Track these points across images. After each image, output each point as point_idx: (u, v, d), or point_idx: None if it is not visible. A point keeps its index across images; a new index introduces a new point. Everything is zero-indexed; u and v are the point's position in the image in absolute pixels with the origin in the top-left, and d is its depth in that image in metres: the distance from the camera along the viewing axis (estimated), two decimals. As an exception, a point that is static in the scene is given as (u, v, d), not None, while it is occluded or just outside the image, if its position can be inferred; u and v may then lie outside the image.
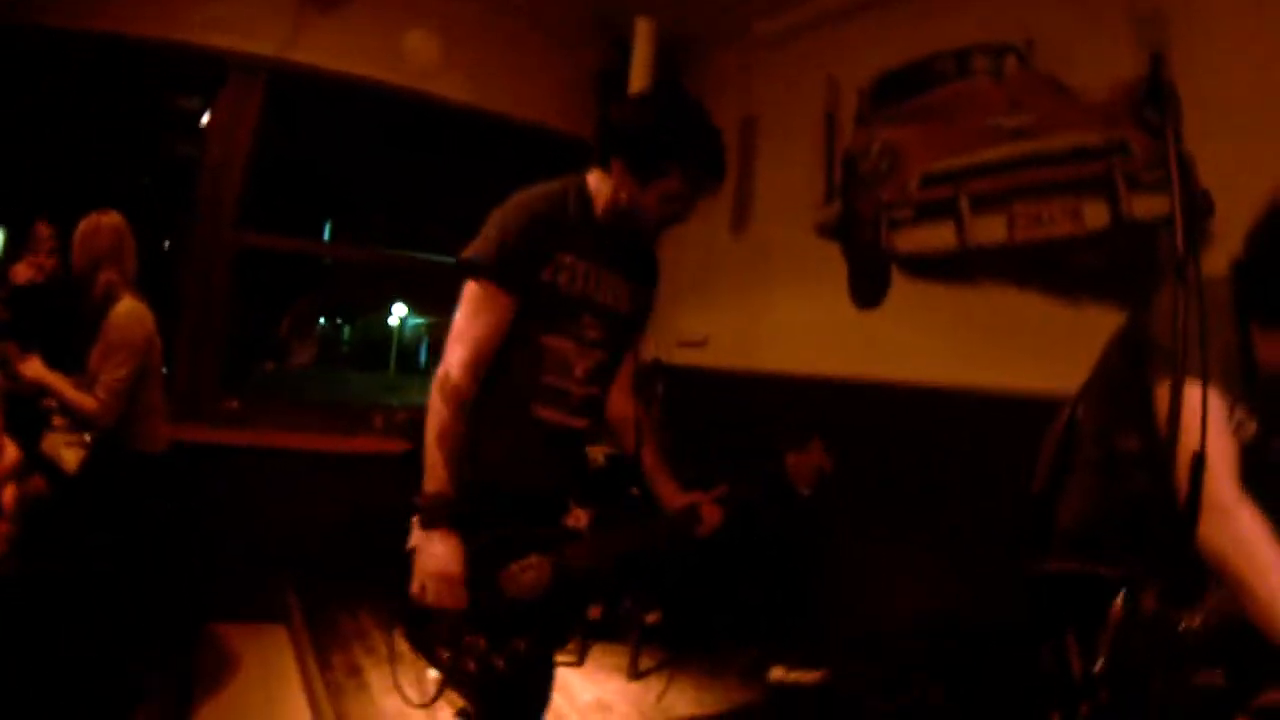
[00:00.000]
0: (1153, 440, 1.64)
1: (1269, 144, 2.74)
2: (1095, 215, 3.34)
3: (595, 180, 2.10)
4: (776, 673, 3.75)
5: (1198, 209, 2.93)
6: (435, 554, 1.85)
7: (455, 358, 1.92)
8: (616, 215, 2.07)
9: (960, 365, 3.77)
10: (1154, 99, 3.10)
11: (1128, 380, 1.77)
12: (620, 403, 2.30)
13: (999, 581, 2.20)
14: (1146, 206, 3.17)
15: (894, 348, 4.10)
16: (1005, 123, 3.66)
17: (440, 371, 1.93)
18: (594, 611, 3.78)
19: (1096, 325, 3.11)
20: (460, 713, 2.30)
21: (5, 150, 4.95)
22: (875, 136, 4.30)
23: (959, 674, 3.23)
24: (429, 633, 1.95)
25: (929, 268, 4.00)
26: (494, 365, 1.98)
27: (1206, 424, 1.30)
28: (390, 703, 3.25)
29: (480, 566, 1.89)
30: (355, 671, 3.48)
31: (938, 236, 3.92)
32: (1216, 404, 1.49)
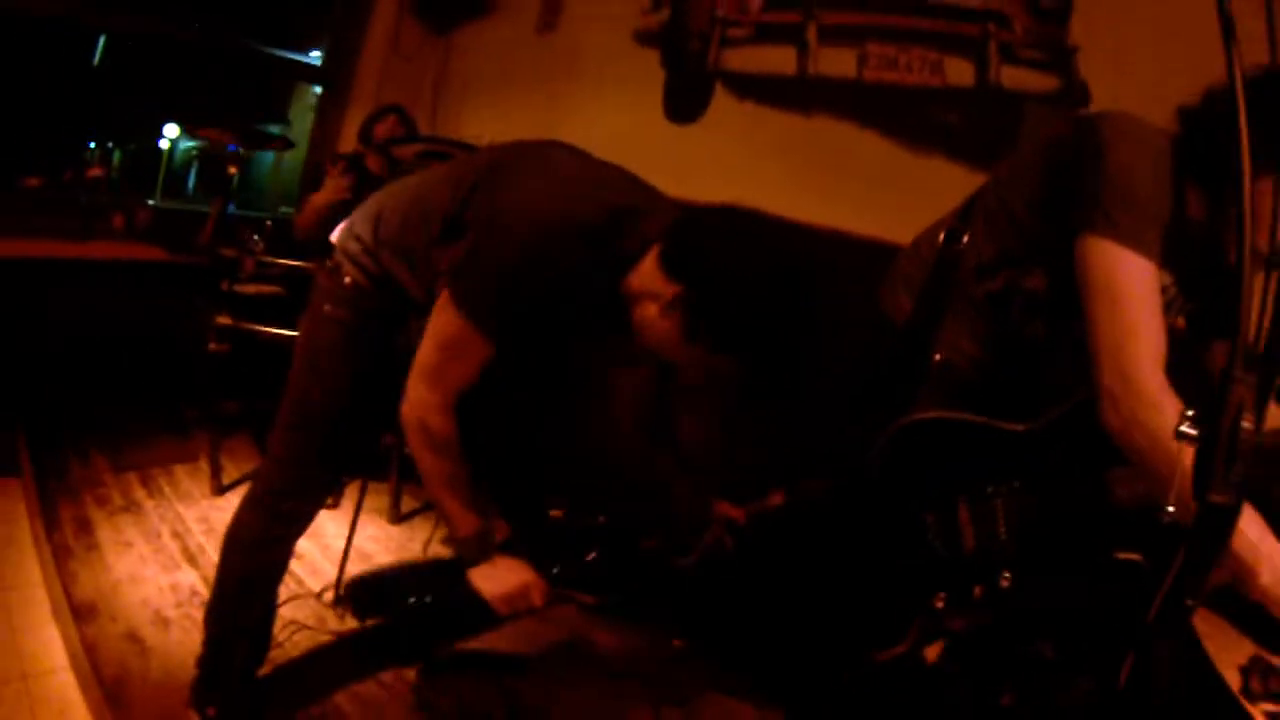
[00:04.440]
0: (1062, 287, 1.52)
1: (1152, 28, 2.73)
2: (958, 73, 3.26)
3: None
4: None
5: (1072, 95, 2.96)
6: (504, 573, 1.79)
7: (433, 402, 1.70)
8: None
9: (782, 194, 3.61)
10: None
11: (1038, 216, 1.61)
12: None
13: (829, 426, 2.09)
14: (1017, 79, 3.13)
15: (711, 166, 3.96)
16: None
17: (413, 418, 1.71)
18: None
19: (940, 178, 3.17)
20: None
21: None
22: None
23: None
24: None
25: (760, 89, 3.92)
26: None
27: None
28: (122, 564, 2.83)
29: None
30: (85, 528, 3.00)
31: (776, 60, 3.78)
32: (1153, 278, 1.43)
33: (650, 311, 1.64)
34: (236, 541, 2.07)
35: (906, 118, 3.37)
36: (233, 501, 3.27)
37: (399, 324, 1.90)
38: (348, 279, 1.87)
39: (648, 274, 1.63)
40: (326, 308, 1.90)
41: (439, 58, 5.27)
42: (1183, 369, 1.50)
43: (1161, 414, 1.31)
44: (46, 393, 3.77)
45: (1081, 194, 1.47)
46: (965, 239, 1.74)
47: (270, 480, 2.05)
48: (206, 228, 3.88)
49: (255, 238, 3.44)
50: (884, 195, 3.31)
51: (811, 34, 3.64)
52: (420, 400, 1.68)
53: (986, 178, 1.80)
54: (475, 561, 1.76)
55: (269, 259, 3.47)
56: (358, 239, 1.87)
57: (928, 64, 3.32)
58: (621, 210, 1.66)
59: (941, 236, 1.77)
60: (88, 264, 3.99)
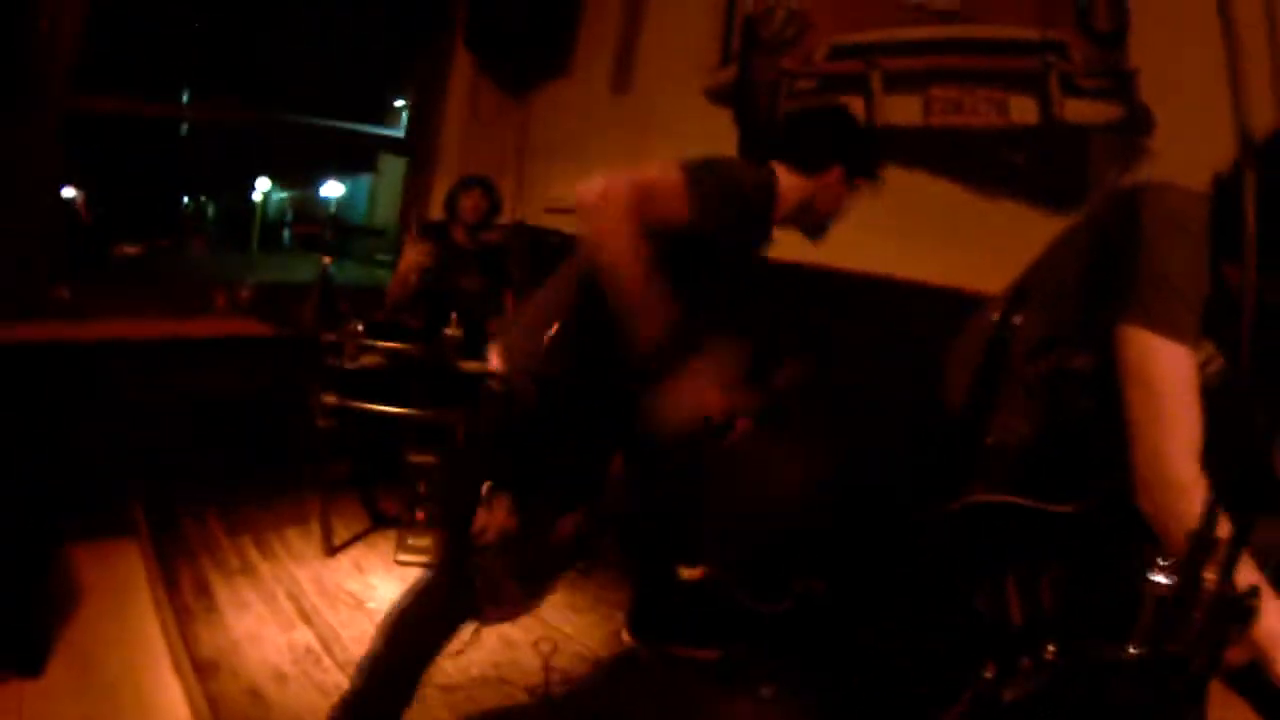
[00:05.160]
0: (1109, 366, 1.51)
1: (1209, 50, 2.59)
2: (1022, 111, 3.23)
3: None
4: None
5: (1136, 122, 2.92)
6: (689, 386, 1.94)
7: (623, 185, 1.81)
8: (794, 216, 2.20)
9: (859, 249, 3.48)
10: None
11: (1089, 293, 1.59)
12: None
13: (900, 482, 2.13)
14: (1080, 111, 3.08)
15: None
16: (930, 4, 3.51)
17: (593, 193, 1.81)
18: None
19: (1011, 220, 3.15)
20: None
21: None
22: (782, 1, 4.09)
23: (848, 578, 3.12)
24: None
25: None
26: None
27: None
28: (240, 624, 2.98)
29: None
30: (204, 590, 3.17)
31: None
32: (1188, 365, 1.43)
33: (823, 192, 2.16)
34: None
35: (975, 161, 3.34)
36: (344, 562, 3.50)
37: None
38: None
39: (792, 189, 2.14)
40: None
41: (519, 122, 5.34)
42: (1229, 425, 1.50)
43: (1191, 502, 1.30)
44: (162, 461, 3.94)
45: (1118, 280, 1.48)
46: (1018, 320, 1.74)
47: None
48: (307, 311, 4.09)
49: (356, 323, 3.58)
50: (956, 243, 3.28)
51: (876, 82, 3.63)
52: (616, 182, 1.80)
53: (1054, 218, 1.81)
54: (659, 379, 1.89)
55: (370, 341, 3.61)
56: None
57: (992, 104, 3.30)
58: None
59: (995, 317, 1.78)
60: (198, 341, 4.20)
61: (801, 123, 2.29)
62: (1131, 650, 1.40)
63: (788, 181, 2.13)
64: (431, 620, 2.16)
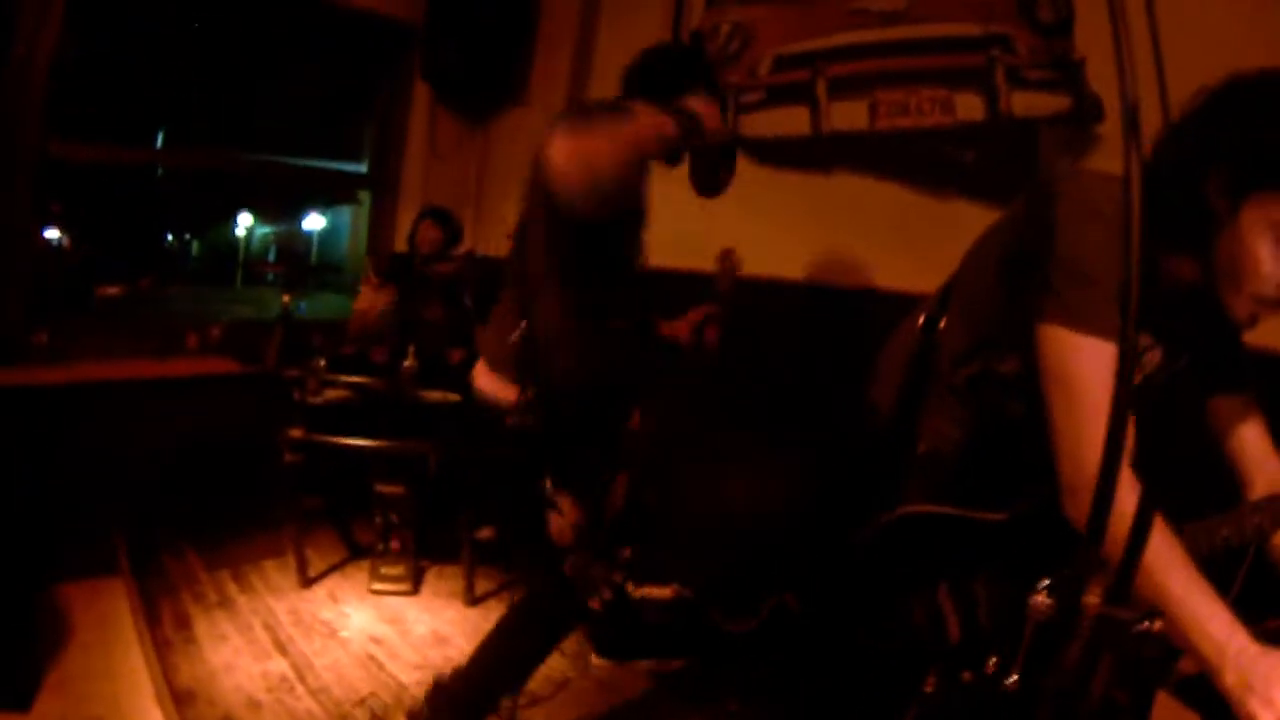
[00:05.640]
0: (1033, 368, 1.46)
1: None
2: (968, 107, 3.22)
3: None
4: (630, 589, 3.64)
5: (1085, 112, 2.88)
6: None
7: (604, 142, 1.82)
8: None
9: (813, 258, 3.64)
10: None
11: (1008, 294, 1.54)
12: None
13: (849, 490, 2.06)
14: (1027, 103, 3.07)
15: (740, 238, 3.89)
16: (872, 6, 3.49)
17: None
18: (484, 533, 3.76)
19: (964, 221, 3.02)
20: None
21: None
22: (726, 16, 4.10)
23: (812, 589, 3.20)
24: None
25: (779, 153, 3.84)
26: None
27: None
28: (218, 655, 3.07)
29: None
30: (183, 623, 3.26)
31: (790, 121, 3.77)
32: (1109, 359, 1.32)
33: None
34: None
35: (923, 162, 3.32)
36: (319, 593, 3.57)
37: None
38: None
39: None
40: None
41: (478, 151, 5.42)
42: (1180, 425, 1.53)
43: (1117, 506, 1.25)
44: (141, 498, 4.01)
45: (1034, 275, 1.41)
46: (942, 324, 1.70)
47: None
48: (270, 351, 4.17)
49: (319, 359, 3.69)
50: (907, 246, 3.28)
51: (821, 89, 3.64)
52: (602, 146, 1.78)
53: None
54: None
55: (333, 376, 3.71)
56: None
57: (937, 104, 3.29)
58: None
59: (920, 322, 1.74)
60: (171, 381, 4.27)
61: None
62: (1011, 679, 1.44)
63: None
64: (536, 629, 2.34)
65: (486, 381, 2.32)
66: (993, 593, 1.55)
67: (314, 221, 12.86)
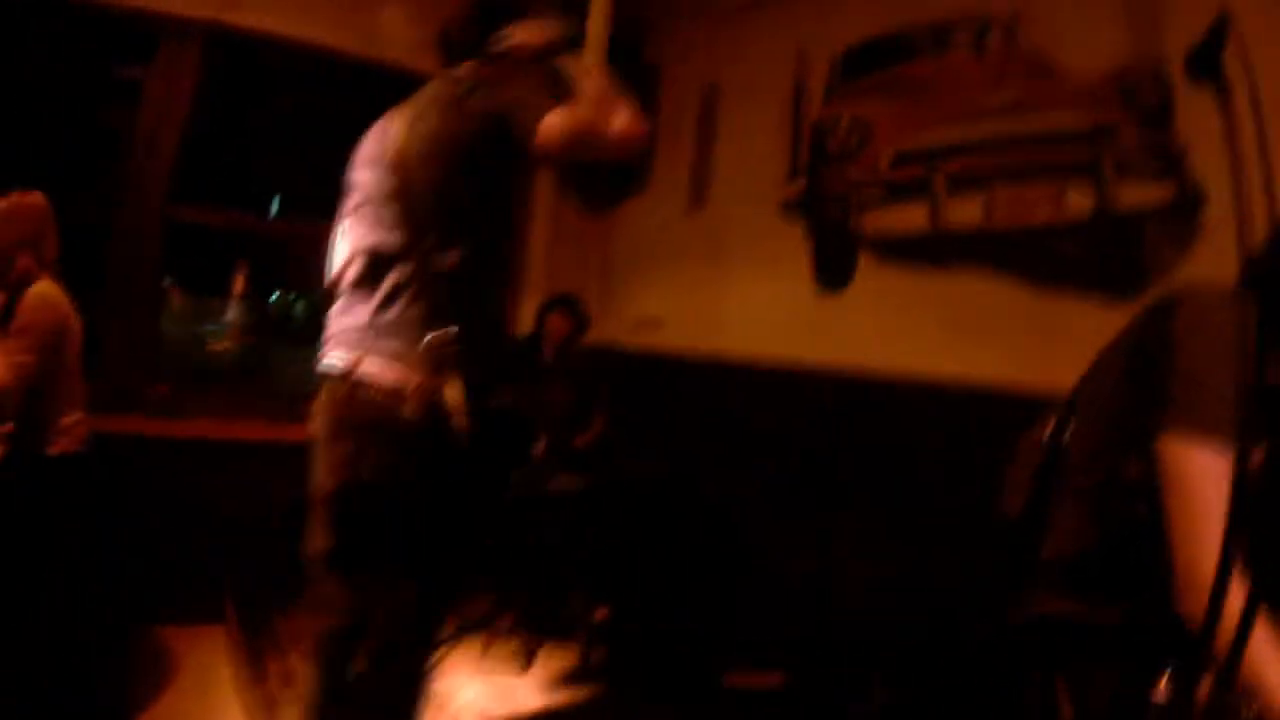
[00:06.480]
0: (1154, 473, 1.48)
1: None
2: (1079, 202, 3.19)
3: None
4: (733, 677, 3.59)
5: (1188, 201, 2.84)
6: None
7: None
8: None
9: (929, 354, 3.61)
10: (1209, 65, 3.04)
11: (1130, 403, 1.58)
12: None
13: (967, 586, 2.10)
14: (1134, 196, 3.03)
15: (859, 333, 3.94)
16: (986, 100, 3.49)
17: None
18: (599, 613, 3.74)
19: (1074, 317, 3.13)
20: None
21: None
22: (845, 111, 4.14)
23: (925, 681, 3.12)
24: None
25: (899, 250, 3.83)
26: None
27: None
28: None
29: None
30: (290, 682, 3.28)
31: (909, 218, 3.77)
32: (1224, 464, 1.36)
33: None
34: None
35: (1036, 257, 3.31)
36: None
37: None
38: None
39: None
40: None
41: (600, 238, 5.45)
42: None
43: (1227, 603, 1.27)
44: (254, 555, 3.98)
45: (1154, 386, 1.47)
46: (1069, 431, 1.74)
47: None
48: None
49: None
50: (1010, 340, 3.28)
51: (939, 185, 3.64)
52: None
53: (1113, 310, 1.77)
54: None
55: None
56: None
57: (1049, 198, 3.27)
58: None
59: (1048, 431, 1.78)
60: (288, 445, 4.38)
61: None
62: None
63: None
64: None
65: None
66: (1105, 681, 1.56)
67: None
